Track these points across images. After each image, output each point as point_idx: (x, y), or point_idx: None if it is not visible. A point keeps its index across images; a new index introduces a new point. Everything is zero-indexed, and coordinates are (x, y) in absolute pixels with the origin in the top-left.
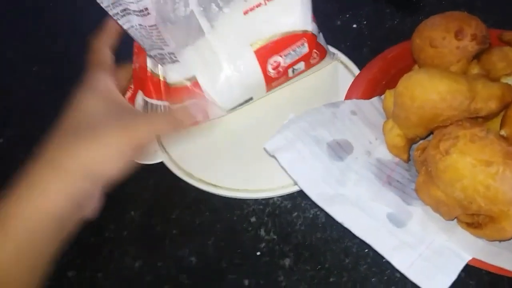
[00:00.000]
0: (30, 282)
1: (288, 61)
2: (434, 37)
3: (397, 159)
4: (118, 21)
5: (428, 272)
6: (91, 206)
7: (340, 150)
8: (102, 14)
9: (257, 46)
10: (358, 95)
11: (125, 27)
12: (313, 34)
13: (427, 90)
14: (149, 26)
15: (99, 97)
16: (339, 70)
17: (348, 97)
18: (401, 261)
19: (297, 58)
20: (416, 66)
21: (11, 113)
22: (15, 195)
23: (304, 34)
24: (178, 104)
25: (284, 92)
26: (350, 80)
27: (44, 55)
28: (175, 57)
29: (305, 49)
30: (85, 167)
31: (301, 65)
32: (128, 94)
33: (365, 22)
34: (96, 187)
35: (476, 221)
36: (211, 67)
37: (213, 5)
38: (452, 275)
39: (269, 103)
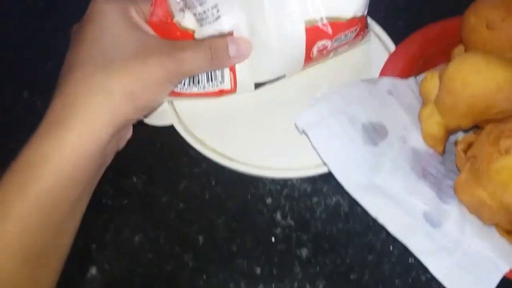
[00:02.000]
0: (74, 217)
1: (336, 44)
2: (492, 17)
3: (431, 150)
4: None
5: (465, 281)
6: (126, 137)
7: (374, 133)
8: None
9: (310, 24)
10: (395, 73)
11: None
12: (365, 17)
13: (484, 77)
14: None
15: (129, 25)
16: (372, 41)
17: (383, 73)
18: (437, 266)
19: (344, 42)
20: (459, 48)
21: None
22: (53, 120)
23: (360, 19)
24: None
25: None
26: (383, 52)
27: None
28: (218, 12)
29: (355, 33)
30: (129, 91)
31: (344, 48)
32: None
33: None
34: (137, 115)
35: None
36: (253, 30)
37: None
38: (490, 286)
39: (297, 74)
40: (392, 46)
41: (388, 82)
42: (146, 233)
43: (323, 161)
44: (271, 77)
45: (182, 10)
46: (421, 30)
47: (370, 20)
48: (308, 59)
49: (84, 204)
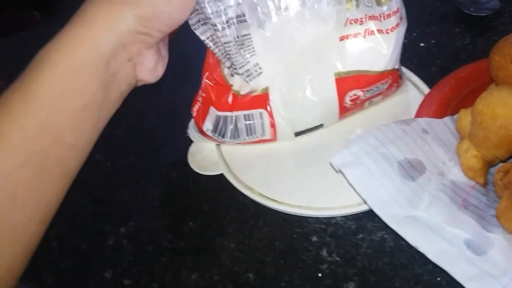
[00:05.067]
0: (78, 132)
1: (368, 95)
2: None
3: (472, 183)
4: (212, 38)
5: None
6: (146, 66)
7: (411, 169)
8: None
9: (340, 75)
10: (429, 114)
11: (221, 40)
12: (398, 71)
13: (511, 108)
14: (242, 36)
15: None
16: (408, 87)
17: (418, 115)
18: None
19: (377, 93)
20: (492, 86)
21: None
22: (61, 33)
23: (391, 72)
24: None
25: None
26: (419, 98)
27: None
28: (260, 68)
29: (387, 85)
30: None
31: (379, 99)
32: (196, 107)
33: (433, 41)
34: (146, 30)
35: None
36: (288, 83)
37: (314, 22)
38: None
39: (336, 124)
40: (427, 91)
41: (423, 121)
42: (202, 273)
43: (360, 197)
44: (308, 126)
45: (232, 74)
46: (453, 73)
47: (404, 70)
48: (343, 108)
49: (91, 124)
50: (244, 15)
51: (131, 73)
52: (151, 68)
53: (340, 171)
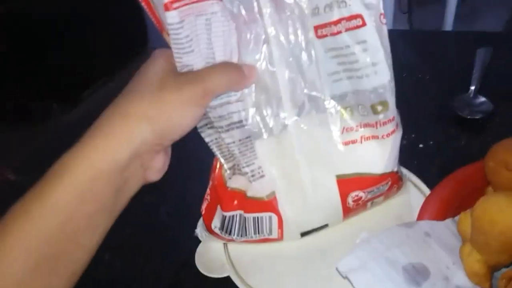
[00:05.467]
0: (91, 233)
1: (369, 196)
2: (510, 160)
3: None
4: (216, 141)
5: None
6: (155, 168)
7: (416, 274)
8: None
9: (341, 177)
10: (431, 216)
11: (225, 141)
12: (397, 173)
13: (508, 215)
14: (244, 139)
15: (163, 66)
16: (410, 188)
17: (420, 217)
18: None
19: (378, 194)
20: (490, 188)
21: None
22: (81, 142)
23: (390, 174)
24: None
25: None
26: (420, 198)
27: None
28: (262, 171)
29: (388, 186)
30: (145, 114)
31: (380, 199)
32: (205, 205)
33: (431, 142)
34: (160, 141)
35: None
36: (292, 186)
37: (311, 128)
38: None
39: (341, 224)
40: (427, 192)
41: (425, 224)
42: None
43: None
44: (314, 226)
45: (230, 175)
46: (452, 175)
47: (405, 171)
48: (346, 209)
49: (102, 224)
50: (246, 119)
51: (141, 176)
52: (159, 168)
53: (346, 277)
